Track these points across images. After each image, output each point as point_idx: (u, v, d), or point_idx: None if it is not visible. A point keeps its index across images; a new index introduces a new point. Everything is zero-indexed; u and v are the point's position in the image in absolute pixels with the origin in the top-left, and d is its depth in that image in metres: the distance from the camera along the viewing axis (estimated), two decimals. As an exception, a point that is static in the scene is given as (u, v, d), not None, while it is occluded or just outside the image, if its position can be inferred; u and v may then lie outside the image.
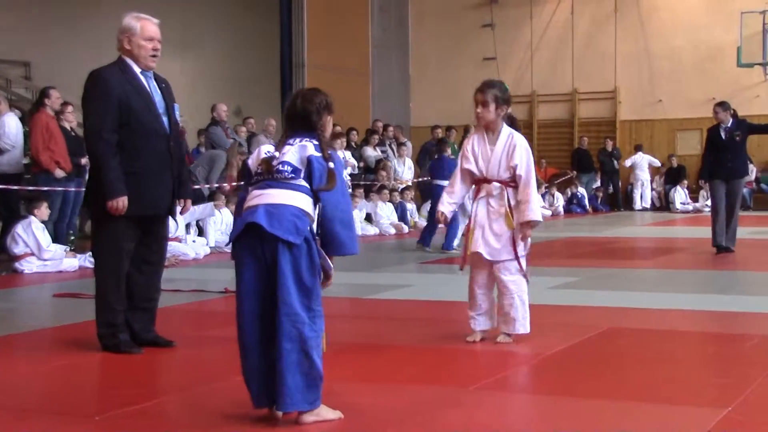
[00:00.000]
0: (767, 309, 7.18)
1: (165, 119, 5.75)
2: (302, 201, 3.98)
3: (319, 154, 4.03)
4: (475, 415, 4.22)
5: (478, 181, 5.86)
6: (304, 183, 4.01)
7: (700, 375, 5.12)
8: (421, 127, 24.05)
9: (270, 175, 4.03)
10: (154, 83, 5.78)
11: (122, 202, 5.52)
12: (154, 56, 5.71)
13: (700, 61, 23.40)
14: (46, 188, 11.52)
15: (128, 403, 4.43)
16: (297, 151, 4.04)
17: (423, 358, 5.49)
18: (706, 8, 23.56)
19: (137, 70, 5.69)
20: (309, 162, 4.00)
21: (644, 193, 24.12)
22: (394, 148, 19.34)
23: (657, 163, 23.83)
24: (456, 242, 12.04)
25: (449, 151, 13.38)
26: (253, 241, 3.94)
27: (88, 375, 5.33)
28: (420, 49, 25.95)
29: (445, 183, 12.39)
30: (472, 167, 5.84)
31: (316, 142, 4.08)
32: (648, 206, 23.97)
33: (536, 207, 5.73)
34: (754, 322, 6.74)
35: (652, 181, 24.28)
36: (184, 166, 6.05)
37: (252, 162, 4.18)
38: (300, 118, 4.13)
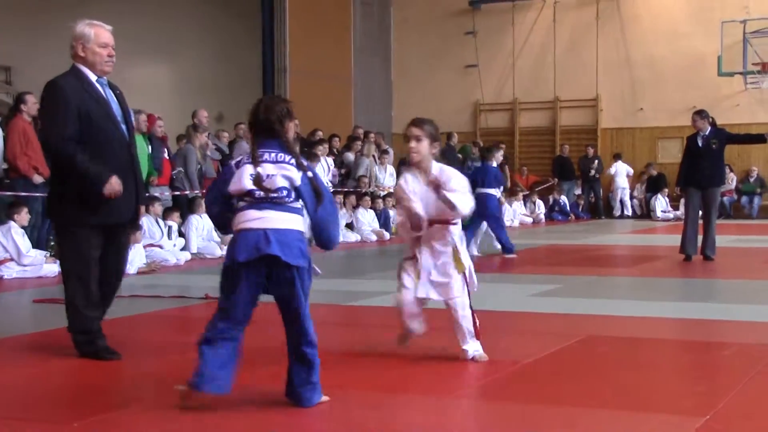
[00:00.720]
0: (745, 317, 7.23)
1: (124, 127, 5.74)
2: (299, 223, 4.34)
3: (300, 174, 4.32)
4: (455, 423, 4.23)
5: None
6: (298, 205, 4.34)
7: (679, 383, 5.14)
8: (402, 134, 23.99)
9: (268, 198, 4.29)
10: (110, 91, 5.75)
11: (115, 182, 5.49)
12: (109, 62, 5.69)
13: (681, 70, 23.52)
14: (24, 194, 11.46)
15: (107, 409, 4.42)
16: (285, 177, 4.30)
17: (404, 365, 5.48)
18: (688, 17, 23.70)
19: (93, 78, 5.66)
20: (297, 190, 4.32)
21: (624, 200, 24.23)
22: (376, 155, 19.34)
23: (631, 171, 24.00)
24: (474, 249, 12.43)
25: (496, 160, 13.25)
26: (260, 264, 4.24)
27: (67, 381, 5.30)
28: (402, 56, 25.99)
29: (491, 191, 12.59)
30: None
31: (292, 159, 4.34)
32: (629, 214, 24.08)
33: (461, 198, 5.32)
34: (733, 330, 6.79)
35: (632, 189, 24.40)
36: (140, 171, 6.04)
37: (235, 185, 4.35)
38: (263, 127, 4.40)
